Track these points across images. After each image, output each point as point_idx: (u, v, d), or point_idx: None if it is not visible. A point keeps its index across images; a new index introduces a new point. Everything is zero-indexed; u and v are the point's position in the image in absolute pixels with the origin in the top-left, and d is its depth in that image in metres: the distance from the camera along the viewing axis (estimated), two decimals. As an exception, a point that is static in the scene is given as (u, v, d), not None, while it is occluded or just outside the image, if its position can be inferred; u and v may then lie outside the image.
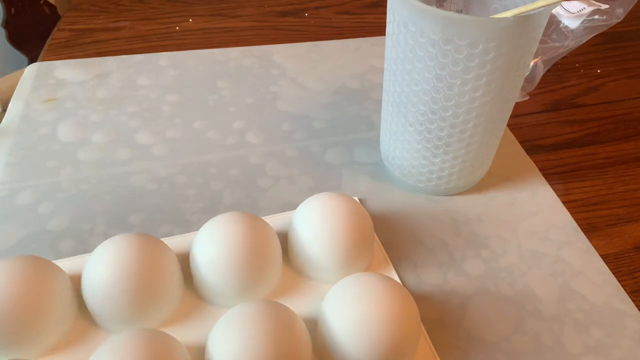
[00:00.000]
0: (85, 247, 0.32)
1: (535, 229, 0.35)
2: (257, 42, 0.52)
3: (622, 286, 0.32)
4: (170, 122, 0.42)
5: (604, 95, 0.49)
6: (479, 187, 0.38)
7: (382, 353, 0.24)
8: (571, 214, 0.36)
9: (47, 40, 0.51)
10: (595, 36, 0.42)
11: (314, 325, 0.27)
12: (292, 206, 0.35)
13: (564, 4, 0.42)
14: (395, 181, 0.38)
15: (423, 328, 0.29)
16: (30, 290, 0.25)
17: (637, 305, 0.31)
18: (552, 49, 0.43)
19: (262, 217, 0.31)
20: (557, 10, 0.42)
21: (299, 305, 0.28)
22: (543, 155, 0.41)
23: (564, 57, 0.53)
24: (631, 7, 0.41)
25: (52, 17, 1.01)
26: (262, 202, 0.36)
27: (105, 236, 0.33)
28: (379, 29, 0.56)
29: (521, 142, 0.42)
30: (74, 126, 0.41)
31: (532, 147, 0.42)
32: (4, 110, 0.43)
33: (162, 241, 0.29)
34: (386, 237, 0.34)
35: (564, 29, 0.42)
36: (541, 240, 0.34)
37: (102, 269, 0.26)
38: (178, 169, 0.38)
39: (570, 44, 0.42)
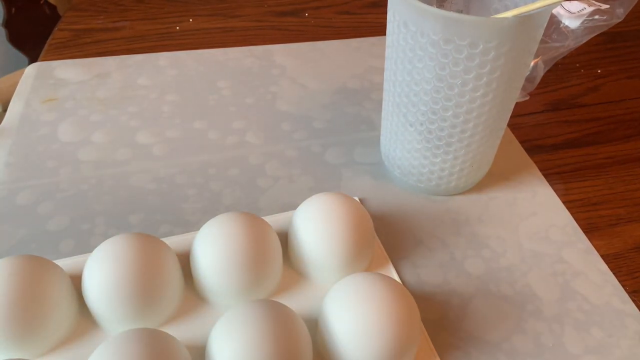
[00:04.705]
0: (85, 247, 0.32)
1: (536, 229, 0.35)
2: (257, 42, 0.52)
3: (623, 286, 0.32)
4: (170, 122, 0.42)
5: (605, 95, 0.48)
6: (479, 187, 0.38)
7: (382, 353, 0.24)
8: (571, 214, 0.36)
9: (47, 40, 0.51)
10: (595, 36, 0.42)
11: (314, 325, 0.27)
12: (292, 206, 0.35)
13: (564, 4, 0.42)
14: (395, 181, 0.38)
15: (423, 328, 0.29)
16: (30, 290, 0.25)
17: (637, 305, 0.31)
18: (552, 48, 0.43)
19: (262, 217, 0.31)
20: (557, 10, 0.42)
21: (299, 305, 0.28)
22: (543, 155, 0.41)
23: (565, 57, 0.52)
24: (631, 7, 0.41)
25: (52, 17, 1.01)
26: (262, 202, 0.36)
27: (105, 236, 0.33)
28: (379, 29, 0.56)
29: (521, 142, 0.42)
30: (74, 126, 0.41)
31: (532, 147, 0.42)
32: (4, 110, 0.43)
33: (162, 241, 0.29)
34: (386, 237, 0.34)
35: (564, 29, 0.42)
36: (542, 240, 0.34)
37: (102, 268, 0.26)
38: (178, 169, 0.38)
39: (571, 44, 0.42)
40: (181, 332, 0.28)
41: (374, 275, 0.27)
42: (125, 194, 0.36)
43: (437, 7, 0.29)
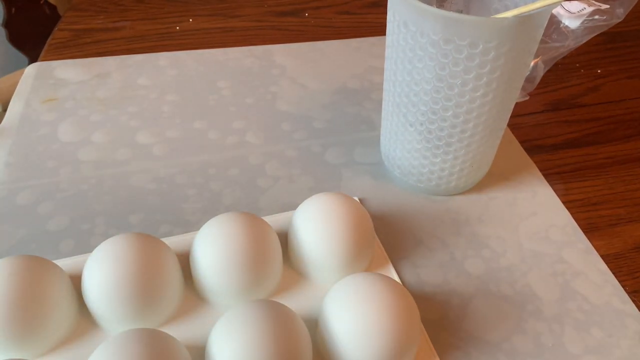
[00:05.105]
0: (85, 247, 0.32)
1: (536, 229, 0.35)
2: (257, 42, 0.52)
3: (623, 286, 0.32)
4: (170, 122, 0.42)
5: (604, 95, 0.48)
6: (479, 187, 0.38)
7: (382, 353, 0.24)
8: (571, 214, 0.36)
9: (47, 40, 0.51)
10: (595, 36, 0.42)
11: (314, 325, 0.27)
12: (292, 206, 0.35)
13: (564, 4, 0.42)
14: (395, 181, 0.38)
15: (423, 328, 0.29)
16: (30, 290, 0.25)
17: (637, 306, 0.31)
18: (552, 48, 0.43)
19: (262, 217, 0.31)
20: (557, 10, 0.42)
21: (299, 305, 0.28)
22: (543, 155, 0.41)
23: (565, 57, 0.52)
24: (631, 7, 0.41)
25: (52, 17, 1.01)
26: (262, 202, 0.36)
27: (105, 236, 0.33)
28: (379, 29, 0.56)
29: (521, 142, 0.42)
30: (73, 126, 0.41)
31: (532, 147, 0.42)
32: (4, 110, 0.43)
33: (162, 241, 0.29)
34: (386, 237, 0.34)
35: (564, 29, 0.42)
36: (542, 240, 0.34)
37: (102, 269, 0.26)
38: (178, 169, 0.38)
39: (571, 44, 0.42)
40: (181, 332, 0.28)
41: (374, 275, 0.27)
42: (125, 194, 0.36)
43: (437, 7, 0.29)
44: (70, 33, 0.52)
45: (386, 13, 0.31)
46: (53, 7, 1.02)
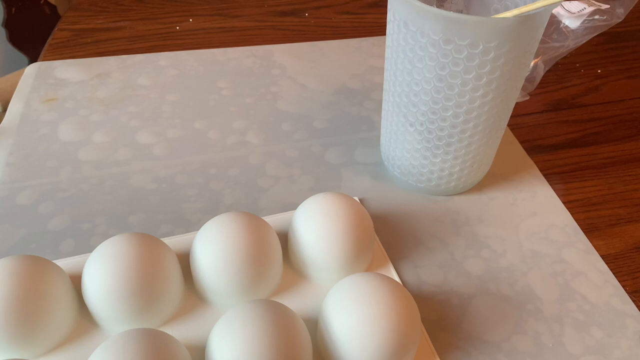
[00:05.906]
0: (85, 247, 0.32)
1: (536, 229, 0.35)
2: (257, 42, 0.52)
3: (623, 286, 0.32)
4: (171, 122, 0.42)
5: (604, 95, 0.49)
6: (479, 187, 0.38)
7: (382, 353, 0.24)
8: (571, 214, 0.36)
9: (48, 40, 0.51)
10: (595, 36, 0.42)
11: (314, 325, 0.27)
12: (292, 206, 0.35)
13: (565, 4, 0.42)
14: (395, 181, 0.38)
15: (423, 328, 0.29)
16: (30, 290, 0.25)
17: (637, 306, 0.31)
18: (552, 48, 0.43)
19: (262, 217, 0.31)
20: (557, 10, 0.42)
21: (299, 305, 0.28)
22: (543, 155, 0.41)
23: (565, 57, 0.52)
24: (632, 7, 0.41)
25: (52, 17, 1.01)
26: (262, 202, 0.36)
27: (105, 236, 0.33)
28: (379, 29, 0.56)
29: (521, 142, 0.42)
30: (74, 126, 0.41)
31: (532, 147, 0.42)
32: (4, 110, 0.43)
33: (162, 241, 0.29)
34: (386, 237, 0.34)
35: (564, 29, 0.42)
36: (541, 241, 0.34)
37: (102, 268, 0.26)
38: (178, 169, 0.38)
39: (571, 44, 0.42)
40: (181, 332, 0.28)
41: (374, 275, 0.27)
42: (125, 193, 0.36)
43: (437, 7, 0.29)
44: (70, 33, 0.52)
45: (386, 13, 0.31)
46: (53, 7, 1.02)
